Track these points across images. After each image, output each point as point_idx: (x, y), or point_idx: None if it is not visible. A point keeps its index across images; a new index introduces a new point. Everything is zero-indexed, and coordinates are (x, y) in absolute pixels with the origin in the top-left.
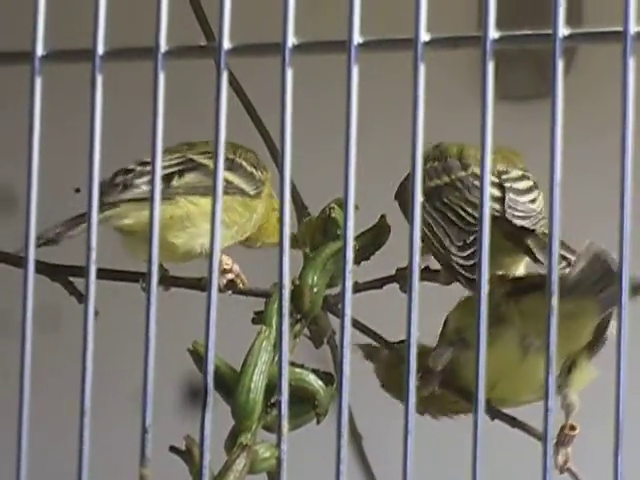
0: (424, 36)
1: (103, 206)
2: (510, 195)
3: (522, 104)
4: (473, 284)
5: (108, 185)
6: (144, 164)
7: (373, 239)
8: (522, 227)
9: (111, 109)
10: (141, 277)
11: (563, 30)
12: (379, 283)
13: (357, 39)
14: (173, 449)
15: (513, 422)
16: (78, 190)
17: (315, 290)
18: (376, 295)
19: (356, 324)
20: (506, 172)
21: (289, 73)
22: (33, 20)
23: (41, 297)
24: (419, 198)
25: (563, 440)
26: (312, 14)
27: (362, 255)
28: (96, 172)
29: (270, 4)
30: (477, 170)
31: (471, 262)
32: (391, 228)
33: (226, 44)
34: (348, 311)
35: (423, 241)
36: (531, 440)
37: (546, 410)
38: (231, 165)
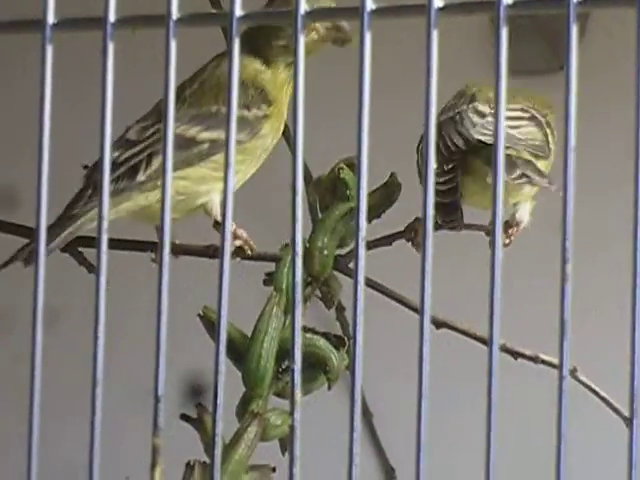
0: (437, 2)
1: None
2: (488, 119)
3: (534, 79)
4: (446, 210)
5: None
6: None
7: (384, 197)
8: (480, 141)
9: (122, 78)
10: (151, 247)
11: None
12: (388, 240)
13: (370, 5)
14: (184, 417)
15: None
16: (86, 167)
17: (325, 252)
18: (386, 251)
19: (367, 282)
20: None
21: (301, 40)
22: None
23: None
24: (432, 164)
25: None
26: None
27: (373, 214)
28: (108, 144)
29: None
30: (479, 105)
31: (447, 187)
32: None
33: (238, 11)
34: (361, 278)
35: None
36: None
37: (561, 378)
38: (214, 120)
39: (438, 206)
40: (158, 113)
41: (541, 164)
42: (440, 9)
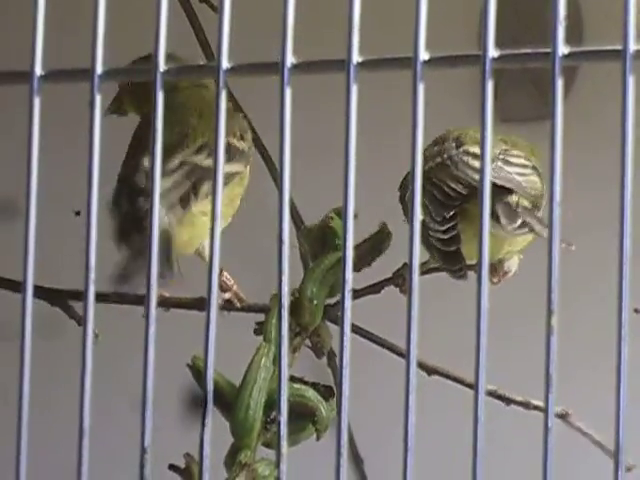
0: (423, 55)
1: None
2: (498, 163)
3: (522, 126)
4: (450, 258)
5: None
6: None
7: (374, 247)
8: (497, 186)
9: (109, 129)
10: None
11: (562, 48)
12: (377, 288)
13: (356, 58)
14: (172, 467)
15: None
16: (78, 213)
17: (315, 302)
18: (375, 299)
19: (357, 330)
20: (505, 151)
21: (288, 92)
22: (32, 40)
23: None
24: (418, 216)
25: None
26: (311, 33)
27: (362, 263)
28: (94, 192)
29: (269, 24)
30: (470, 148)
31: (448, 236)
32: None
33: (225, 63)
34: (347, 330)
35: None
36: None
37: (546, 429)
38: (228, 152)
39: (442, 255)
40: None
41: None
42: (426, 62)
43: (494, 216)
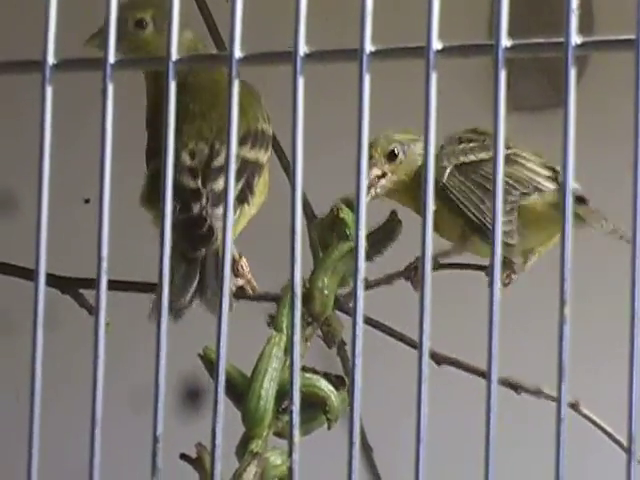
0: (436, 44)
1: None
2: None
3: (534, 115)
4: (510, 250)
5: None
6: (199, 172)
7: (385, 235)
8: (580, 197)
9: (121, 118)
10: (151, 288)
11: (575, 38)
12: (389, 280)
13: (369, 47)
14: (184, 457)
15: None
16: (87, 201)
17: (326, 292)
18: (384, 290)
19: (368, 321)
20: (554, 168)
21: (300, 82)
22: (44, 29)
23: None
24: (431, 205)
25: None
26: (323, 22)
27: (374, 252)
28: (107, 181)
29: (281, 13)
30: (518, 151)
31: (508, 228)
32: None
33: (237, 53)
34: (360, 320)
35: (458, 217)
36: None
37: (559, 420)
38: (267, 140)
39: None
40: (197, 136)
41: None
42: (438, 51)
43: (579, 218)
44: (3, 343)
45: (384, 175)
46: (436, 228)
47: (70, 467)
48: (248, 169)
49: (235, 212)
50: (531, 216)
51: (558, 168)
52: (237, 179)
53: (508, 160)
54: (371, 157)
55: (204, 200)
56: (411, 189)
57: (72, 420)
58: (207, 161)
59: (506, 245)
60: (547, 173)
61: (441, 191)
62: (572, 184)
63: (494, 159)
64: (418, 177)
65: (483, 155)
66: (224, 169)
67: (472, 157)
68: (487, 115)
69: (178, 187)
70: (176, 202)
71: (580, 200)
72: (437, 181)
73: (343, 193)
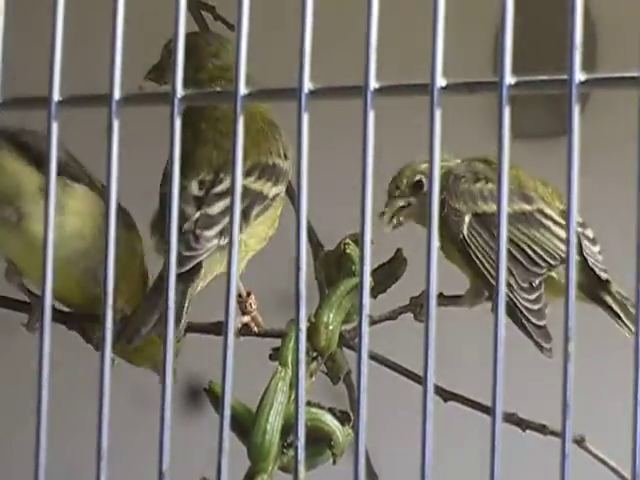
0: (440, 81)
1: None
2: (585, 242)
3: (536, 142)
4: (540, 331)
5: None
6: (204, 200)
7: (389, 273)
8: (603, 280)
9: (127, 154)
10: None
11: (579, 75)
12: (394, 314)
13: (373, 84)
14: None
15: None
16: None
17: (331, 328)
18: (391, 325)
19: (373, 356)
20: (582, 225)
21: (305, 118)
22: (49, 66)
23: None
24: (436, 243)
25: None
26: (328, 59)
27: (378, 289)
28: (112, 218)
29: (285, 50)
30: (542, 206)
31: (537, 307)
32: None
33: (242, 89)
34: (365, 355)
35: (478, 277)
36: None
37: (563, 453)
38: (275, 174)
39: (532, 328)
40: (212, 167)
41: None
42: (443, 88)
43: (610, 311)
44: (3, 343)
45: (409, 205)
46: (447, 258)
47: (70, 466)
48: (247, 198)
49: (222, 238)
50: (554, 290)
51: (580, 229)
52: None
53: (534, 220)
54: (397, 187)
55: (192, 224)
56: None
57: (72, 420)
58: (208, 188)
59: (535, 327)
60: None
61: (460, 242)
62: (595, 249)
63: (498, 198)
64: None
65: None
66: (222, 196)
67: (494, 206)
68: (491, 145)
69: (180, 216)
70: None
71: (601, 280)
72: (456, 230)
73: (351, 225)
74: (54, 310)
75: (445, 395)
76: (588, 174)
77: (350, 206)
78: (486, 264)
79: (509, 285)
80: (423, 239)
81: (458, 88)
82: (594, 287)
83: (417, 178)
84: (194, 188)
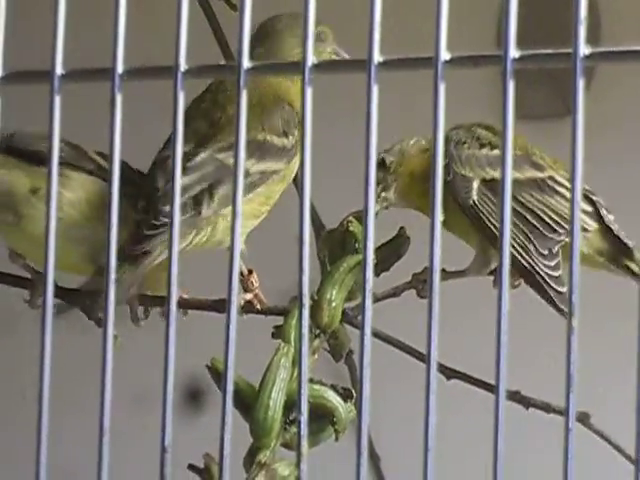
0: (444, 55)
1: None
2: (604, 211)
3: (540, 123)
4: (561, 297)
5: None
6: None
7: (392, 251)
8: (628, 247)
9: (129, 128)
10: (162, 301)
11: (584, 49)
12: (397, 291)
13: (377, 58)
14: (191, 467)
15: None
16: None
17: (333, 305)
18: (394, 302)
19: (376, 334)
20: (591, 198)
21: (309, 92)
22: (52, 39)
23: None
24: (439, 217)
25: None
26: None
27: (381, 267)
28: (115, 191)
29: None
30: (553, 173)
31: (557, 273)
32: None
33: (246, 63)
34: (368, 330)
35: (491, 245)
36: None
37: (567, 431)
38: (262, 150)
39: (554, 294)
40: (196, 138)
41: None
42: (447, 62)
43: (633, 274)
44: (5, 343)
45: (385, 187)
46: (449, 230)
47: (70, 465)
48: (218, 174)
49: (185, 214)
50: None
51: (595, 198)
52: (198, 181)
53: (546, 187)
54: None
55: (157, 199)
56: (419, 182)
57: (72, 420)
58: (184, 161)
59: (557, 293)
60: (588, 208)
61: (470, 208)
62: (611, 217)
63: (502, 170)
64: (424, 170)
65: (517, 175)
66: (191, 170)
67: (493, 173)
68: (495, 123)
69: (152, 188)
70: (140, 200)
71: (624, 245)
72: (465, 196)
73: (352, 204)
74: (56, 287)
75: (448, 373)
76: (592, 154)
77: (351, 187)
78: (491, 227)
79: (528, 251)
80: (423, 217)
81: (462, 61)
82: (618, 254)
83: (380, 158)
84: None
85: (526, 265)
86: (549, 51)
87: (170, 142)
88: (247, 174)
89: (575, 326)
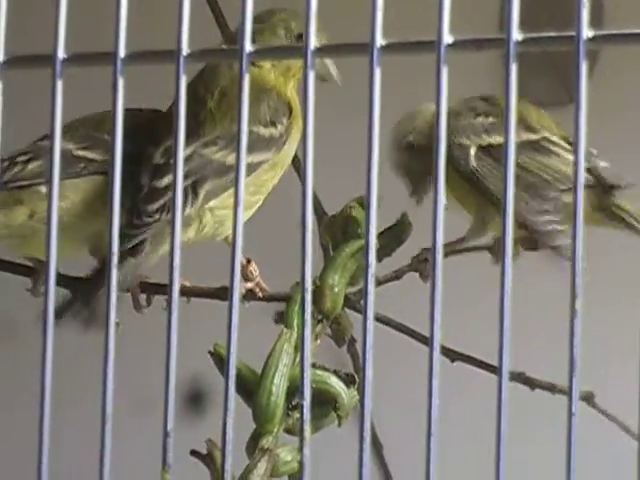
0: (447, 38)
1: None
2: (601, 164)
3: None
4: (556, 250)
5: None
6: (160, 169)
7: (395, 236)
8: (613, 188)
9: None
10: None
11: (587, 32)
12: (399, 273)
13: (379, 41)
14: (194, 453)
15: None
16: None
17: (336, 290)
18: (395, 285)
19: (378, 318)
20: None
21: (311, 75)
22: (54, 23)
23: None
24: (442, 199)
25: None
26: (334, 17)
27: (383, 253)
28: (117, 175)
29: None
30: (547, 135)
31: (562, 227)
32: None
33: (248, 46)
34: (371, 314)
35: (491, 207)
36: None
37: (570, 411)
38: (250, 141)
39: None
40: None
41: None
42: (449, 45)
43: (629, 225)
44: (5, 345)
45: None
46: (450, 195)
47: (70, 465)
48: (203, 170)
49: (165, 213)
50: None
51: (590, 150)
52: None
53: (541, 148)
54: None
55: (139, 198)
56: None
57: (72, 420)
58: (168, 157)
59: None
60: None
61: (470, 173)
62: (603, 164)
63: (505, 150)
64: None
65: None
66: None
67: (499, 139)
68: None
69: (135, 185)
70: (126, 200)
71: (611, 187)
72: (464, 162)
73: (354, 191)
74: (59, 275)
75: (452, 355)
76: (595, 140)
77: (355, 174)
78: (488, 188)
79: (532, 213)
80: (425, 202)
81: (465, 45)
82: (604, 202)
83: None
84: (157, 155)
85: (526, 224)
86: (552, 34)
87: (152, 139)
88: (230, 168)
89: (579, 309)
